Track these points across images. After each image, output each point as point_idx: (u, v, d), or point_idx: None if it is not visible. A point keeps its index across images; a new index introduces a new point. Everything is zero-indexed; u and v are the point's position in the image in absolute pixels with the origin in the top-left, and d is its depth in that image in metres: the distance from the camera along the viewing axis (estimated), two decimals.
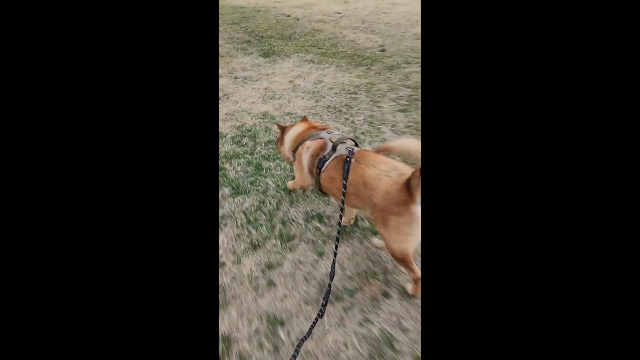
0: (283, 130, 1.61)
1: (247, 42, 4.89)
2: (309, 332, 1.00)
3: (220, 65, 3.91)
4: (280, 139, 1.62)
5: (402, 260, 1.14)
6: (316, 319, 1.01)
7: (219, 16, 7.03)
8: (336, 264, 1.15)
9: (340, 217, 1.18)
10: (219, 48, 4.62)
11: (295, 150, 1.48)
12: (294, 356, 0.92)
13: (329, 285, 1.06)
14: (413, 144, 1.06)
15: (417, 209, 1.00)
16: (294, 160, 1.50)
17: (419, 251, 1.28)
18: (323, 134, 1.39)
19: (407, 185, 1.00)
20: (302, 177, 1.47)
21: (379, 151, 1.20)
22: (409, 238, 1.06)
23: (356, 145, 1.33)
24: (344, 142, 1.31)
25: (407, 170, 1.08)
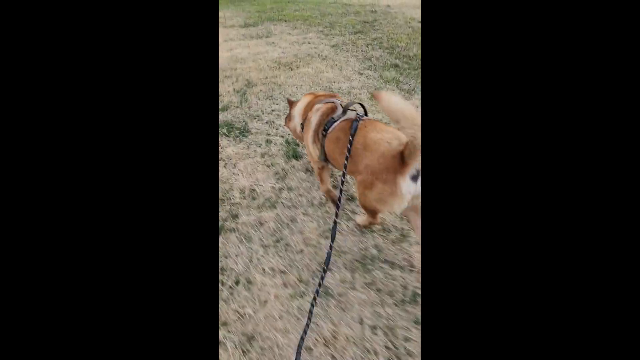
0: (291, 105, 1.59)
1: (394, 67, 3.37)
2: (309, 319, 0.99)
3: (371, 113, 2.47)
4: (289, 115, 1.59)
5: (371, 213, 1.20)
6: (317, 291, 1.03)
7: (330, 17, 5.68)
8: None
9: (344, 174, 1.16)
10: (358, 75, 3.19)
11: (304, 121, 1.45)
12: (298, 352, 0.93)
13: (330, 247, 1.07)
14: (403, 107, 0.89)
15: (402, 181, 0.98)
16: (303, 132, 1.46)
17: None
18: (334, 99, 1.38)
19: (401, 155, 0.98)
20: (308, 145, 1.42)
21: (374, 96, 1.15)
22: (385, 205, 1.06)
23: (365, 113, 1.31)
24: (354, 109, 1.29)
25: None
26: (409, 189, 0.98)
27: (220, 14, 6.24)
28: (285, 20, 5.56)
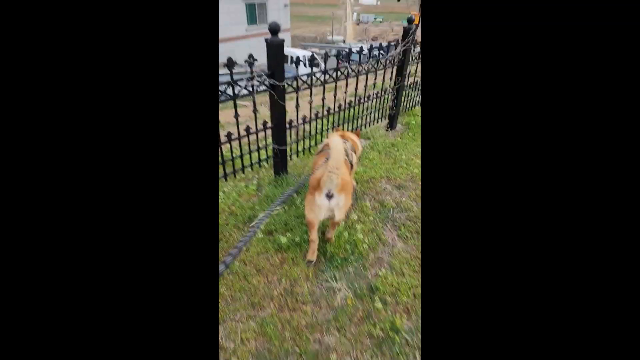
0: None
1: None
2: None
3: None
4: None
5: (307, 225, 1.60)
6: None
7: None
8: None
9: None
10: None
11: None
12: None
13: None
14: (330, 140, 1.42)
15: (318, 197, 1.44)
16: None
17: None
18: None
19: (319, 181, 1.42)
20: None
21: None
22: (310, 213, 1.50)
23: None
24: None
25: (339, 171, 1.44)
26: (323, 202, 1.46)
27: None
28: None
